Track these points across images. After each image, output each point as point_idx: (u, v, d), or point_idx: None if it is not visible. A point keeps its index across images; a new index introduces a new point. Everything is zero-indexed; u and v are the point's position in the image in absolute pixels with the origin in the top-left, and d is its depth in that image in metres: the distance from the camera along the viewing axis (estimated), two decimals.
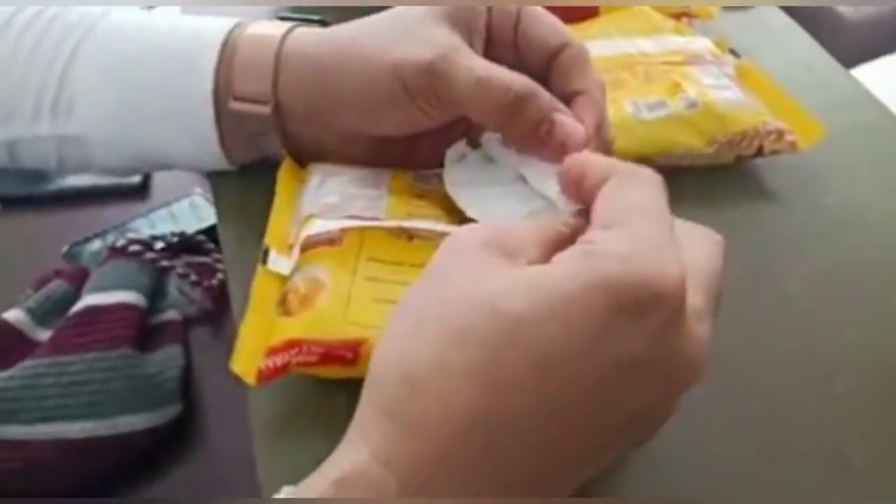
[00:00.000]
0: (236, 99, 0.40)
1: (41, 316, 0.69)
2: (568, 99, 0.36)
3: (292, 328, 0.33)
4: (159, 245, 0.75)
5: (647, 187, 0.28)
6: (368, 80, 0.37)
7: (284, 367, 0.32)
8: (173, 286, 0.74)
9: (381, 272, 0.34)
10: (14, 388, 0.61)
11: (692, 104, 0.45)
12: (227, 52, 0.40)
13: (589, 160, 0.30)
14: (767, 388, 0.37)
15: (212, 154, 0.42)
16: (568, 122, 0.35)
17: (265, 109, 0.40)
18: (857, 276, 0.43)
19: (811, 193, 0.47)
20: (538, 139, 0.35)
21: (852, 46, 0.68)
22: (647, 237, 0.26)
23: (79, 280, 0.72)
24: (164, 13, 0.44)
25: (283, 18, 0.43)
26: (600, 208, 0.28)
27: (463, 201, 0.37)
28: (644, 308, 0.24)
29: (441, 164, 0.39)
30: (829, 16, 0.71)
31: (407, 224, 0.36)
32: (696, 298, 0.26)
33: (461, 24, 0.37)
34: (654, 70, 0.46)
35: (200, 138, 0.41)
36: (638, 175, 0.28)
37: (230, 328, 0.37)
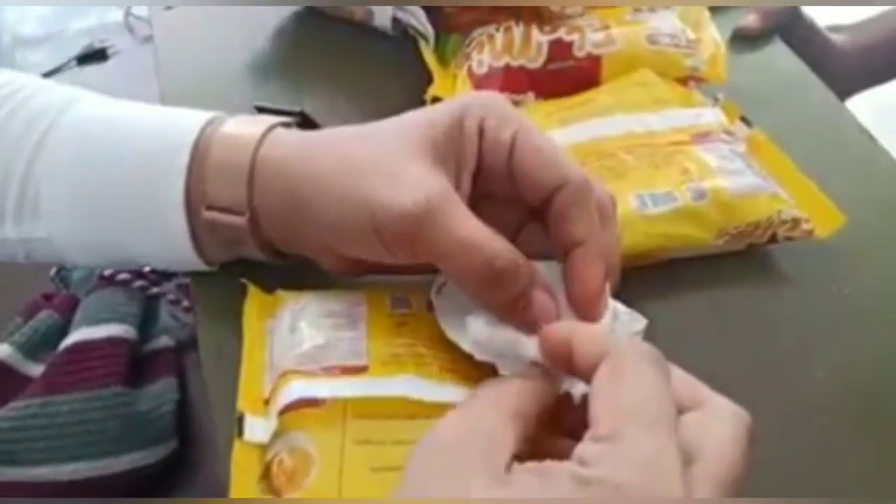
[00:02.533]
0: (209, 208, 0.38)
1: (30, 349, 0.68)
2: (567, 247, 0.34)
3: None
4: (147, 268, 0.73)
5: (646, 377, 0.26)
6: (341, 217, 0.35)
7: None
8: (164, 312, 0.73)
9: (373, 432, 0.32)
10: (7, 430, 0.61)
11: (701, 195, 0.42)
12: (199, 152, 0.38)
13: (576, 332, 0.29)
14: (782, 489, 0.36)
15: (186, 258, 0.40)
16: (545, 301, 0.33)
17: (240, 220, 0.37)
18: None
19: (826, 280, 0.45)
20: (512, 311, 0.33)
21: (844, 74, 0.65)
22: (643, 456, 0.24)
23: (67, 309, 0.70)
24: (131, 104, 0.41)
25: (260, 109, 0.40)
26: (593, 410, 0.26)
27: (453, 335, 0.35)
28: None
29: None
30: (821, 42, 0.68)
31: (399, 392, 0.33)
32: (706, 490, 0.25)
33: (449, 158, 0.34)
34: (659, 153, 0.43)
35: (174, 243, 0.39)
36: (631, 363, 0.27)
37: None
